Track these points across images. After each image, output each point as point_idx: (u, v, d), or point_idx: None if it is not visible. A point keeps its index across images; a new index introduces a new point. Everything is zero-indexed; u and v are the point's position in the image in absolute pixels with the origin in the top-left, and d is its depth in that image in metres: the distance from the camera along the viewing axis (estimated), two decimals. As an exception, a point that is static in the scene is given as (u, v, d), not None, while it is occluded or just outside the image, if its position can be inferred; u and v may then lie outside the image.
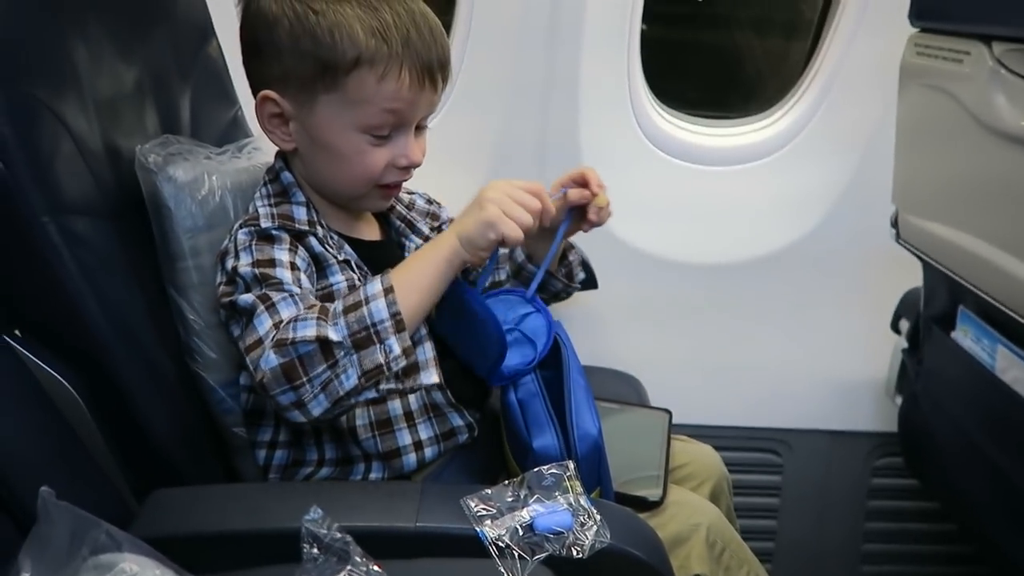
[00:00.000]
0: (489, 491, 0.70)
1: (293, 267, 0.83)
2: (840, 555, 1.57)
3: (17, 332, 0.74)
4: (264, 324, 0.77)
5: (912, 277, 1.29)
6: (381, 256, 0.93)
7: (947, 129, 1.05)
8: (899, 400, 1.39)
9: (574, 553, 0.65)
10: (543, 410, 0.79)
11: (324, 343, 0.73)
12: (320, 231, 0.89)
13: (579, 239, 1.35)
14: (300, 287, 0.81)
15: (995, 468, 1.09)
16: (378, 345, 0.75)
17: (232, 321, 0.85)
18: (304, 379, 0.73)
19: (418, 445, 0.87)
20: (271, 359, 0.73)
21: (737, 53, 1.84)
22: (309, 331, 0.73)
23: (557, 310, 1.41)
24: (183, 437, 0.83)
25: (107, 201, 0.82)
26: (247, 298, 0.79)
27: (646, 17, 1.40)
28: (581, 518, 0.67)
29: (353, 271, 0.89)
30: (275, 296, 0.79)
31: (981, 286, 1.02)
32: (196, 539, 0.69)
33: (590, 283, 1.35)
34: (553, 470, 0.71)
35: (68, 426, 0.72)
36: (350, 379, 0.74)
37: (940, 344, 1.21)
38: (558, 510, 0.67)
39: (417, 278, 0.80)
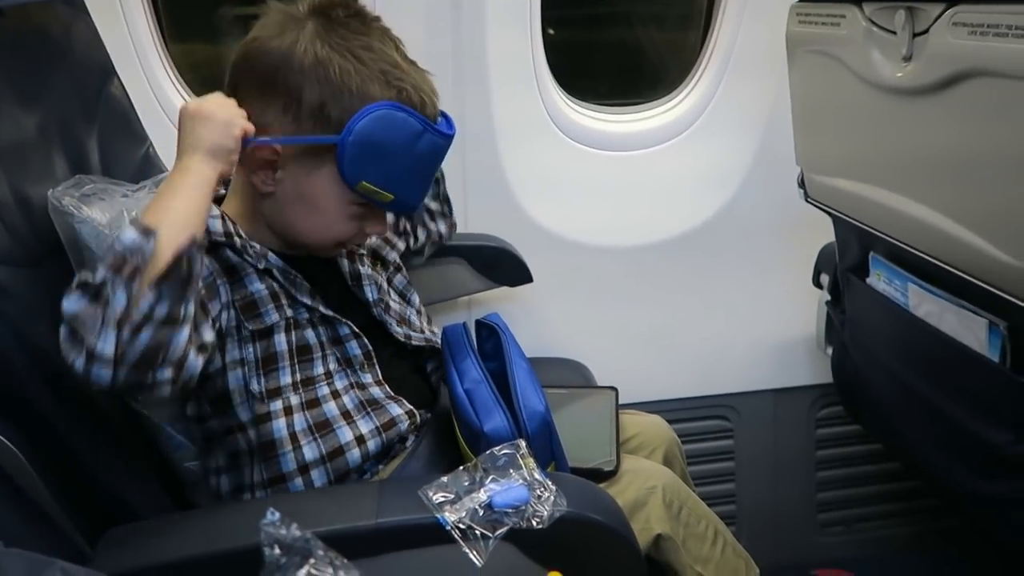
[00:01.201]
0: (445, 479, 0.71)
1: None
2: (797, 507, 1.63)
3: (-57, 391, 0.72)
4: None
5: (826, 233, 1.36)
6: (314, 269, 0.94)
7: (835, 89, 1.12)
8: (830, 351, 1.45)
9: (534, 524, 0.67)
10: (489, 395, 0.82)
11: (86, 288, 0.70)
12: (237, 241, 0.89)
13: (504, 231, 1.38)
14: None
15: (923, 400, 1.15)
16: (139, 276, 0.70)
17: None
18: (86, 326, 0.69)
19: (360, 440, 0.88)
20: (61, 334, 0.70)
21: (639, 46, 1.91)
22: (72, 288, 0.70)
23: (495, 304, 1.44)
24: (132, 476, 0.82)
25: (24, 249, 0.81)
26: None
27: (551, 22, 1.45)
28: (537, 491, 0.69)
29: (274, 279, 0.90)
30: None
31: (886, 231, 1.09)
32: (156, 570, 0.68)
33: (524, 277, 1.38)
34: (506, 450, 0.73)
35: (7, 477, 0.70)
36: (120, 298, 0.69)
37: (858, 291, 1.27)
38: (514, 486, 0.69)
39: (167, 208, 0.77)
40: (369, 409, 0.90)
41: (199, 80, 1.47)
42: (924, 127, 0.96)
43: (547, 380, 0.97)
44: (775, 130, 1.44)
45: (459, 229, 1.30)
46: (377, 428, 0.90)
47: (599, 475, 0.90)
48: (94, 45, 1.07)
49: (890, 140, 1.04)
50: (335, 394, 0.89)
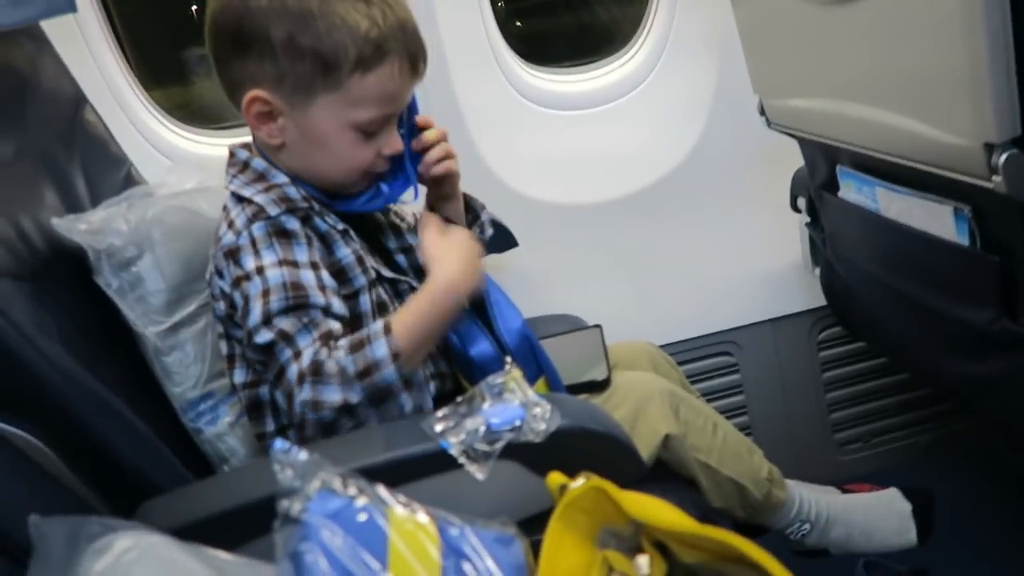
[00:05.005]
0: (444, 411, 0.75)
1: (315, 266, 0.86)
2: (812, 430, 1.65)
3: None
4: (286, 356, 0.82)
5: (797, 158, 1.38)
6: (362, 222, 0.97)
7: (775, 9, 1.16)
8: (818, 271, 1.48)
9: (532, 438, 0.71)
10: (471, 321, 0.85)
11: (347, 407, 0.80)
12: (316, 205, 0.91)
13: (484, 197, 1.42)
14: (324, 292, 0.85)
15: (907, 298, 1.16)
16: (392, 402, 0.82)
17: (232, 327, 0.89)
18: (335, 431, 0.81)
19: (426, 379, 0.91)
20: (309, 418, 0.80)
21: (589, 4, 1.94)
22: (334, 397, 0.79)
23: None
24: (159, 459, 0.85)
25: (22, 265, 0.86)
26: (265, 336, 0.82)
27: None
28: (533, 409, 0.73)
29: (354, 240, 0.93)
30: (291, 328, 0.82)
31: (845, 139, 1.11)
32: (190, 528, 0.72)
33: (509, 242, 1.41)
34: (500, 378, 0.76)
35: (38, 467, 0.75)
36: (371, 420, 0.82)
37: (832, 206, 1.30)
38: (509, 407, 0.73)
39: (423, 331, 0.84)
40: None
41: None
42: (852, 29, 0.98)
43: (541, 333, 1.01)
44: (733, 63, 1.47)
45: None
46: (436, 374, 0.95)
47: (593, 386, 0.93)
48: (61, 75, 1.10)
49: (833, 47, 1.06)
50: None
